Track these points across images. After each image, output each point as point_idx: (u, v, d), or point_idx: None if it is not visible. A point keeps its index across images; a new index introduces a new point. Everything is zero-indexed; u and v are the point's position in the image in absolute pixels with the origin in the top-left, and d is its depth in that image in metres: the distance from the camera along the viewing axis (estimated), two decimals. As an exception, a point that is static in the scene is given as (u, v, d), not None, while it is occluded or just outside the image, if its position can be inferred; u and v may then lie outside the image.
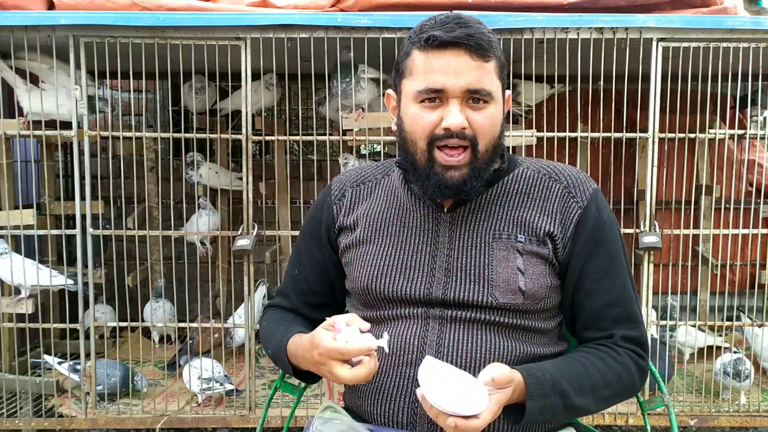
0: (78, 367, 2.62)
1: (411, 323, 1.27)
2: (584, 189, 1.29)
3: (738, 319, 2.93)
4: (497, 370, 1.10)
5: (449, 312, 1.25)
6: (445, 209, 1.29)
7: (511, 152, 1.46)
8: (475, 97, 1.19)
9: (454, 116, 1.17)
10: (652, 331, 2.64)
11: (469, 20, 1.19)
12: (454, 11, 1.24)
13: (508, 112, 1.33)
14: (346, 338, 1.14)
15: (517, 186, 1.30)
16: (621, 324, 1.27)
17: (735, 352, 2.65)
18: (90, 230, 2.51)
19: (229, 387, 2.62)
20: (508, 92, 1.29)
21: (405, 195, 1.34)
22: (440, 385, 1.08)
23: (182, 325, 2.73)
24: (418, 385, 1.09)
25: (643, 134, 2.49)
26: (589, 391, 1.20)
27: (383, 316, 1.31)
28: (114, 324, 2.72)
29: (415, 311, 1.27)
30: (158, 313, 3.02)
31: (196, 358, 2.66)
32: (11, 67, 2.52)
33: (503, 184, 1.31)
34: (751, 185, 3.53)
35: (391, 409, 1.26)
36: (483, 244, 1.26)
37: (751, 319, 2.82)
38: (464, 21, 1.18)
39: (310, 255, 1.42)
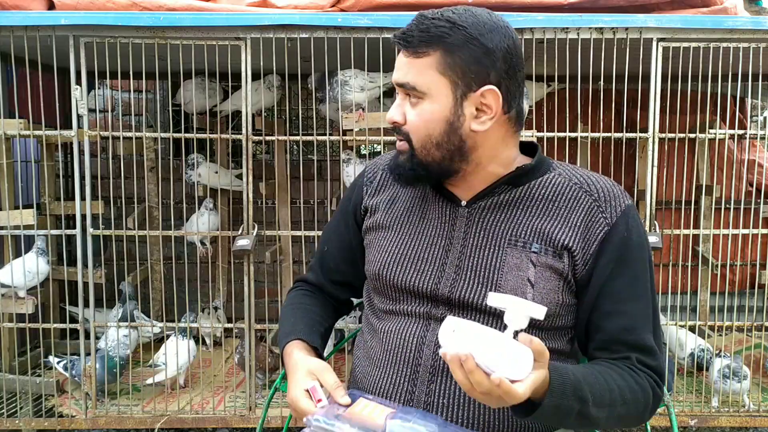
0: (68, 365, 2.63)
1: (412, 322, 1.26)
2: (616, 204, 1.22)
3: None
4: (534, 338, 1.00)
5: (453, 314, 1.22)
6: (464, 203, 1.27)
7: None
8: (409, 93, 1.21)
9: (390, 110, 1.24)
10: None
11: (421, 17, 1.18)
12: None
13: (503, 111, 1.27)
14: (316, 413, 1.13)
15: (544, 192, 1.25)
16: (637, 351, 1.20)
17: (724, 356, 2.60)
18: (90, 230, 2.51)
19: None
20: (488, 87, 1.17)
21: (427, 186, 1.32)
22: (479, 344, 0.97)
23: (183, 325, 2.73)
24: (437, 359, 1.09)
25: (643, 134, 2.49)
26: (607, 405, 1.12)
27: (388, 309, 1.30)
28: (113, 324, 2.72)
29: (418, 309, 1.26)
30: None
31: None
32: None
33: (529, 187, 1.25)
34: (751, 185, 3.53)
35: None
36: (497, 248, 1.22)
37: None
38: (417, 19, 1.19)
39: (338, 233, 1.46)
